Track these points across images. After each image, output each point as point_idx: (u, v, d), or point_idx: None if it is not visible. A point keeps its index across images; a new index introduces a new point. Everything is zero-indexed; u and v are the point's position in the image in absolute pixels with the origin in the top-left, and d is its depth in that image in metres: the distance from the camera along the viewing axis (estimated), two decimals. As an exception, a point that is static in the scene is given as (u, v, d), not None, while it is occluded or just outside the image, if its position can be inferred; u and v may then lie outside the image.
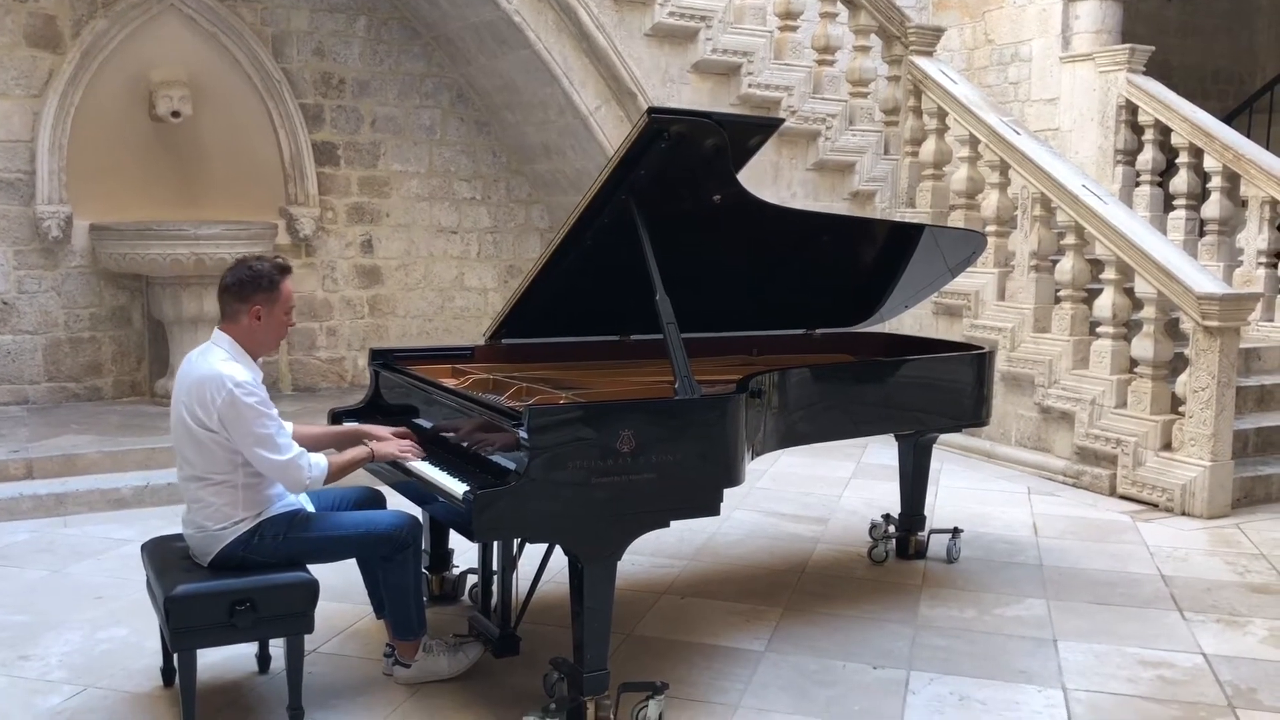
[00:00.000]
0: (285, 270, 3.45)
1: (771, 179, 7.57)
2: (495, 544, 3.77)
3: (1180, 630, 4.25)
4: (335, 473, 3.35)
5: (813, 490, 6.28)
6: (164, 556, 3.37)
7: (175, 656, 3.14)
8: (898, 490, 5.13)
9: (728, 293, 4.55)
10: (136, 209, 7.17)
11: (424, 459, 3.48)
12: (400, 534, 3.36)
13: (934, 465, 6.75)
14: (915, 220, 7.42)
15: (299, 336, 7.75)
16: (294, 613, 3.21)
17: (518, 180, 8.36)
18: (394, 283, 8.09)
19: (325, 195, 7.79)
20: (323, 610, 4.10)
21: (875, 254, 4.96)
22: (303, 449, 3.30)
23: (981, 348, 4.84)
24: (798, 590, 4.63)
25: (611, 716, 3.27)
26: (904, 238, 4.92)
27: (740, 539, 5.35)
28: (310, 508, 3.52)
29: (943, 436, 7.28)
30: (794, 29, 7.61)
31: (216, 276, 6.79)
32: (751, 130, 3.70)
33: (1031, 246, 6.91)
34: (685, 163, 3.55)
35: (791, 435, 3.88)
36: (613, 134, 7.10)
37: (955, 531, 5.08)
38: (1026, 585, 4.73)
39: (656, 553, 5.08)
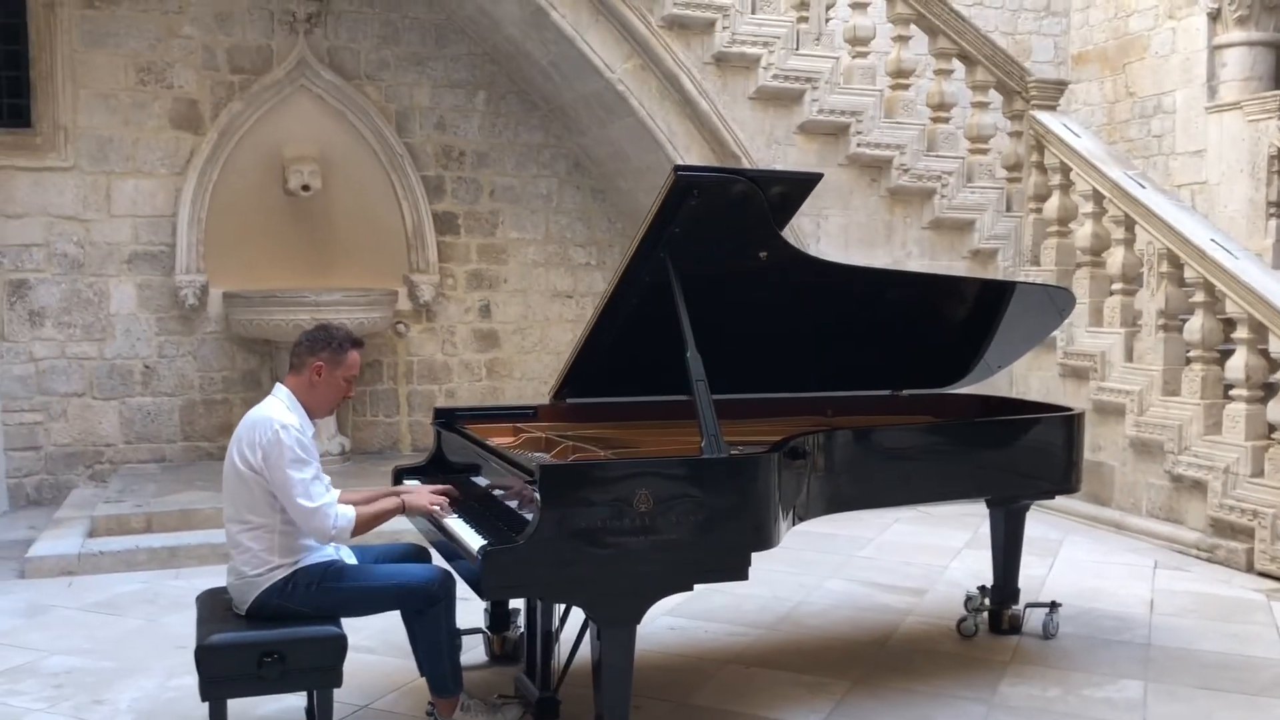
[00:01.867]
0: (357, 343, 3.59)
1: (885, 238, 7.42)
2: (540, 605, 3.73)
3: (1291, 722, 3.87)
4: (365, 523, 3.41)
5: (917, 560, 6.02)
6: (210, 606, 3.49)
7: (210, 708, 3.21)
8: (1018, 562, 4.86)
9: (798, 353, 4.45)
10: (269, 278, 7.56)
11: (457, 515, 3.49)
12: (432, 588, 3.38)
13: (1055, 536, 6.54)
14: (1039, 279, 7.12)
15: (419, 399, 7.97)
16: (322, 666, 3.25)
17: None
18: (511, 346, 8.26)
19: (445, 262, 8.05)
20: (381, 665, 4.21)
21: (962, 312, 4.78)
22: (334, 501, 3.37)
23: (1071, 409, 4.56)
24: (873, 664, 4.43)
25: (632, 788, 3.18)
26: (992, 295, 4.74)
27: (826, 609, 5.16)
28: (352, 559, 3.58)
29: (1068, 507, 6.99)
30: (905, 87, 7.48)
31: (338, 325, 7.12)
32: (787, 185, 3.62)
33: (1159, 305, 6.53)
34: (721, 219, 3.51)
35: (839, 499, 3.73)
36: (718, 197, 7.09)
37: (1053, 605, 4.77)
38: (1125, 665, 4.39)
39: (733, 621, 4.96)
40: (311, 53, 7.59)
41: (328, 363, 3.49)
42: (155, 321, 7.45)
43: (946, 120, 7.59)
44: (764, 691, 4.11)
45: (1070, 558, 6.14)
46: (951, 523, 6.80)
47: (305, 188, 7.60)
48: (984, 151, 7.68)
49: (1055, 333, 7.04)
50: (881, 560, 6.03)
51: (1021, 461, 4.31)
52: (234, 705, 3.63)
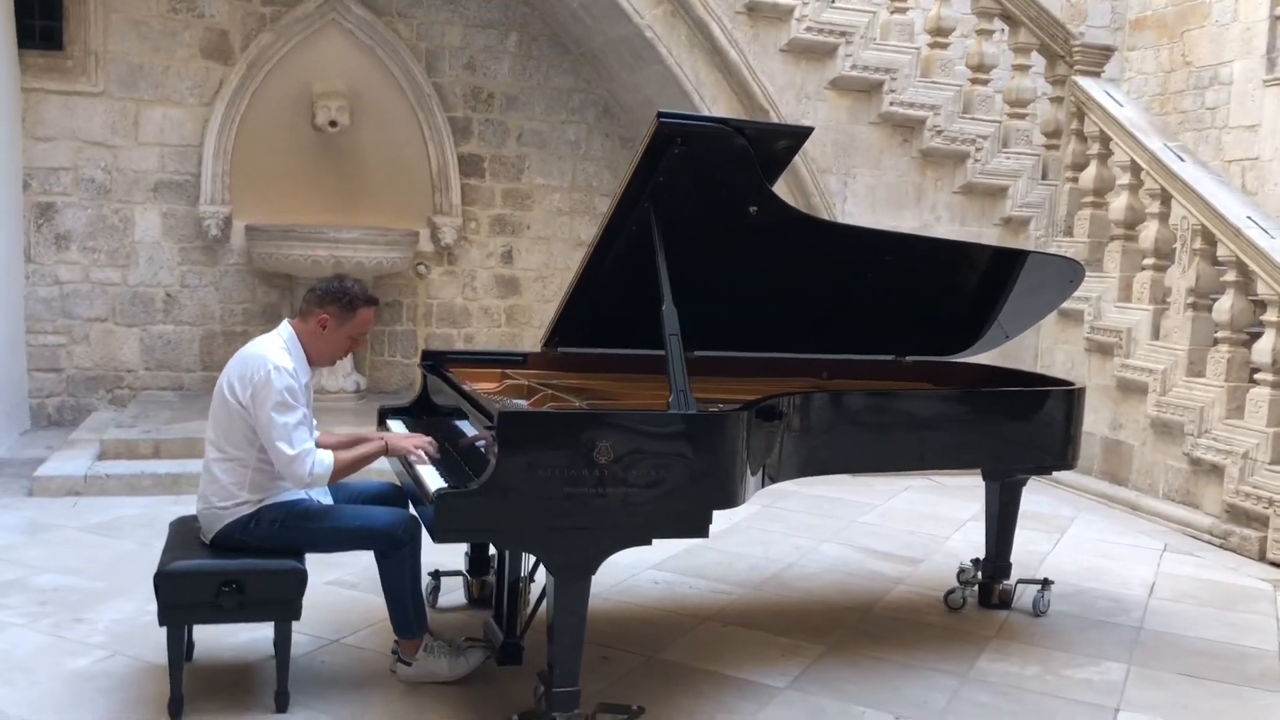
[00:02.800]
0: (371, 301, 3.55)
1: (914, 201, 7.26)
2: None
3: (1271, 715, 3.76)
4: (344, 469, 3.39)
5: (920, 529, 5.93)
6: (180, 533, 3.51)
7: (168, 633, 3.24)
8: (1019, 539, 4.77)
9: (796, 313, 4.36)
10: (294, 213, 7.57)
11: (434, 461, 3.47)
12: (396, 532, 3.37)
13: (1067, 513, 6.43)
14: (1070, 250, 6.95)
15: (438, 342, 7.97)
16: (281, 599, 3.27)
17: (660, 196, 8.33)
18: (531, 294, 8.22)
19: (469, 206, 8.00)
20: (361, 601, 4.24)
21: (971, 279, 4.67)
22: (313, 447, 3.36)
23: (1072, 384, 4.44)
24: (852, 630, 4.37)
25: (583, 737, 3.16)
26: (1002, 263, 4.61)
27: (816, 573, 5.11)
28: (326, 498, 3.58)
29: (1084, 484, 6.88)
30: (944, 46, 7.27)
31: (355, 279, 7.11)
32: (776, 138, 3.52)
33: (1189, 283, 6.33)
34: (707, 170, 3.42)
35: (814, 462, 3.66)
36: (743, 151, 6.96)
37: (1045, 583, 4.68)
38: (1111, 648, 4.30)
39: (721, 578, 4.93)
40: (343, -14, 7.53)
41: (335, 316, 3.46)
42: (178, 251, 7.50)
43: (985, 82, 7.38)
44: (736, 650, 4.08)
45: (1078, 536, 6.02)
46: (962, 494, 6.69)
47: (333, 124, 7.58)
48: (1022, 116, 7.46)
49: (1083, 306, 6.91)
50: (883, 527, 5.96)
51: (1016, 434, 4.20)
52: (206, 633, 3.70)
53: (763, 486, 3.45)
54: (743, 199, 3.59)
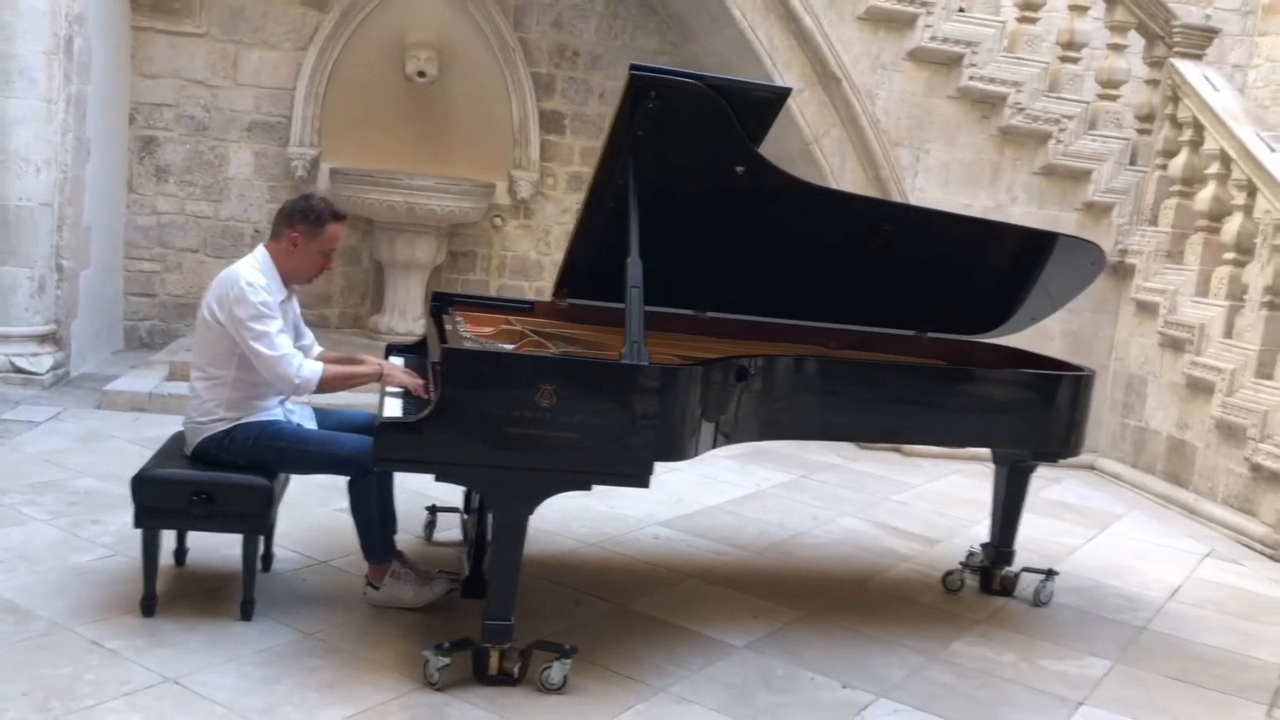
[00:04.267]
0: (338, 216, 3.70)
1: (989, 180, 7.07)
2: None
3: (1247, 726, 3.61)
4: (333, 379, 3.55)
5: (951, 512, 5.83)
6: (173, 444, 3.73)
7: (141, 535, 3.45)
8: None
9: (807, 280, 4.34)
10: (380, 159, 7.80)
11: (416, 400, 3.59)
12: (362, 459, 3.49)
13: (1118, 510, 6.25)
14: (1153, 240, 6.67)
15: (510, 293, 8.12)
16: (248, 512, 3.45)
17: (739, 163, 8.29)
18: (604, 252, 8.29)
19: (548, 162, 8.12)
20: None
21: (999, 259, 4.57)
22: (297, 352, 3.53)
23: (1082, 370, 4.29)
24: (836, 600, 4.36)
25: (514, 670, 3.26)
26: (1025, 244, 4.50)
27: (825, 543, 5.09)
28: (311, 422, 3.76)
29: (1143, 483, 6.68)
30: (1033, 21, 7.03)
31: (429, 226, 7.38)
32: (754, 96, 3.49)
33: (1266, 280, 6.02)
34: (685, 125, 3.43)
35: (775, 426, 3.65)
36: (813, 119, 6.92)
37: (1049, 573, 4.57)
38: (1104, 644, 4.18)
39: (725, 540, 4.96)
40: (437, -60, 7.70)
41: (304, 234, 3.62)
42: (267, 189, 7.83)
43: (1075, 61, 7.12)
44: (709, 608, 4.11)
45: (1120, 533, 5.84)
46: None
47: (421, 74, 7.78)
48: (1113, 98, 7.18)
49: (1159, 299, 6.65)
50: (913, 507, 5.88)
51: (1010, 416, 4.09)
52: (203, 544, 3.92)
53: (716, 445, 3.46)
54: (727, 157, 3.59)
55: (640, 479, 3.20)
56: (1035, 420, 4.12)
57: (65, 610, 3.49)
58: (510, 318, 4.34)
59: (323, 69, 7.73)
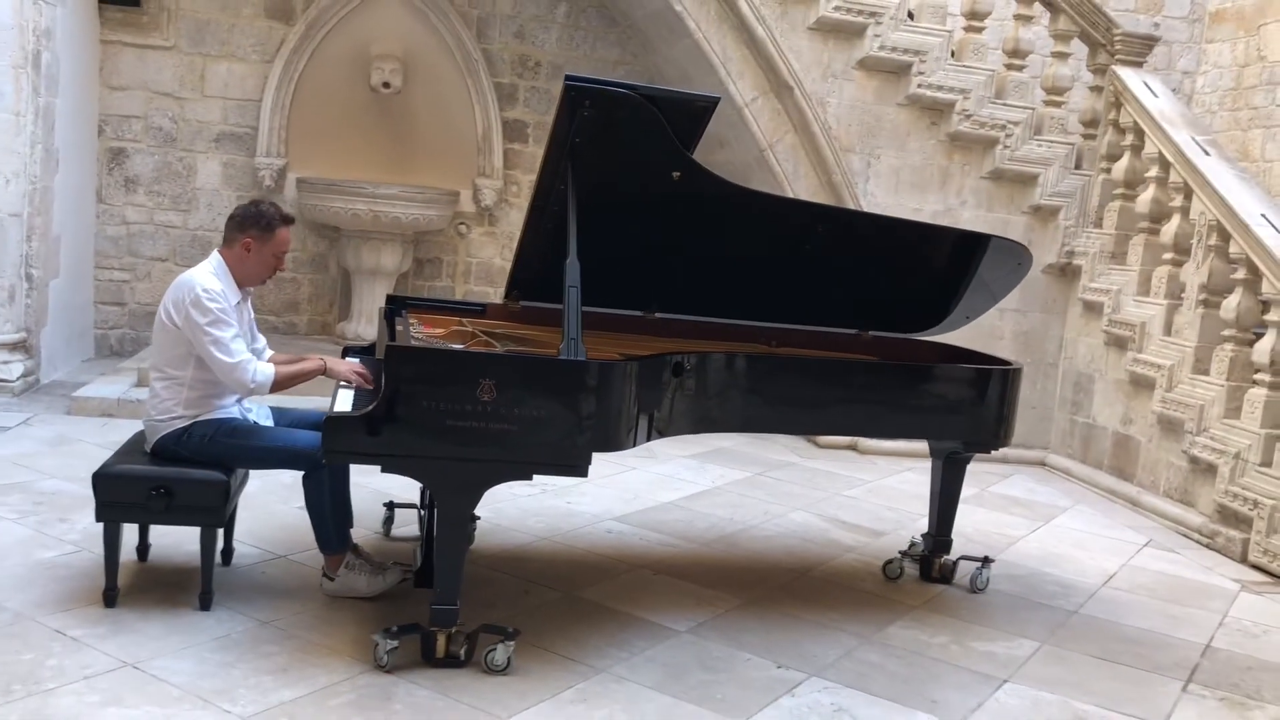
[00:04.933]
0: (287, 220, 3.86)
1: (939, 184, 7.28)
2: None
3: (1163, 701, 3.79)
4: (284, 380, 3.72)
5: (900, 506, 6.01)
6: (135, 442, 3.88)
7: (103, 528, 3.60)
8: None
9: (747, 282, 4.52)
10: (346, 169, 7.96)
11: (363, 391, 3.75)
12: (314, 454, 3.64)
13: (1063, 504, 6.46)
14: (1099, 241, 6.88)
15: (476, 299, 8.28)
16: (205, 506, 3.60)
17: (700, 169, 8.48)
18: (568, 257, 8.46)
19: (511, 170, 8.30)
20: (318, 524, 4.54)
21: (935, 259, 4.77)
22: (252, 357, 3.69)
23: (1009, 363, 4.49)
24: (777, 588, 4.53)
25: (461, 652, 3.42)
26: (959, 244, 4.70)
27: (773, 536, 5.26)
28: (268, 420, 3.91)
29: (1092, 478, 6.90)
30: (979, 30, 7.25)
31: (394, 234, 7.53)
32: (685, 105, 3.68)
33: (1201, 279, 6.24)
34: (619, 133, 3.61)
35: (708, 420, 3.82)
36: (767, 126, 7.10)
37: (985, 561, 4.76)
38: (1034, 627, 4.36)
39: (676, 534, 5.12)
40: (400, -46, 7.87)
41: (256, 239, 3.78)
42: (236, 198, 7.94)
43: (1021, 69, 7.34)
44: (655, 597, 4.28)
45: (1063, 525, 6.03)
46: (969, 480, 6.71)
47: (386, 85, 7.95)
48: (1058, 104, 7.39)
49: (1104, 299, 6.87)
50: (863, 502, 6.06)
51: (937, 408, 4.28)
52: (165, 540, 4.07)
53: (651, 437, 3.63)
54: (663, 163, 3.77)
55: (578, 469, 3.36)
56: (965, 412, 4.30)
57: (30, 602, 3.63)
58: (462, 319, 4.50)
59: (289, 81, 7.89)
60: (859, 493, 6.27)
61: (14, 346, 6.59)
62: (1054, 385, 7.52)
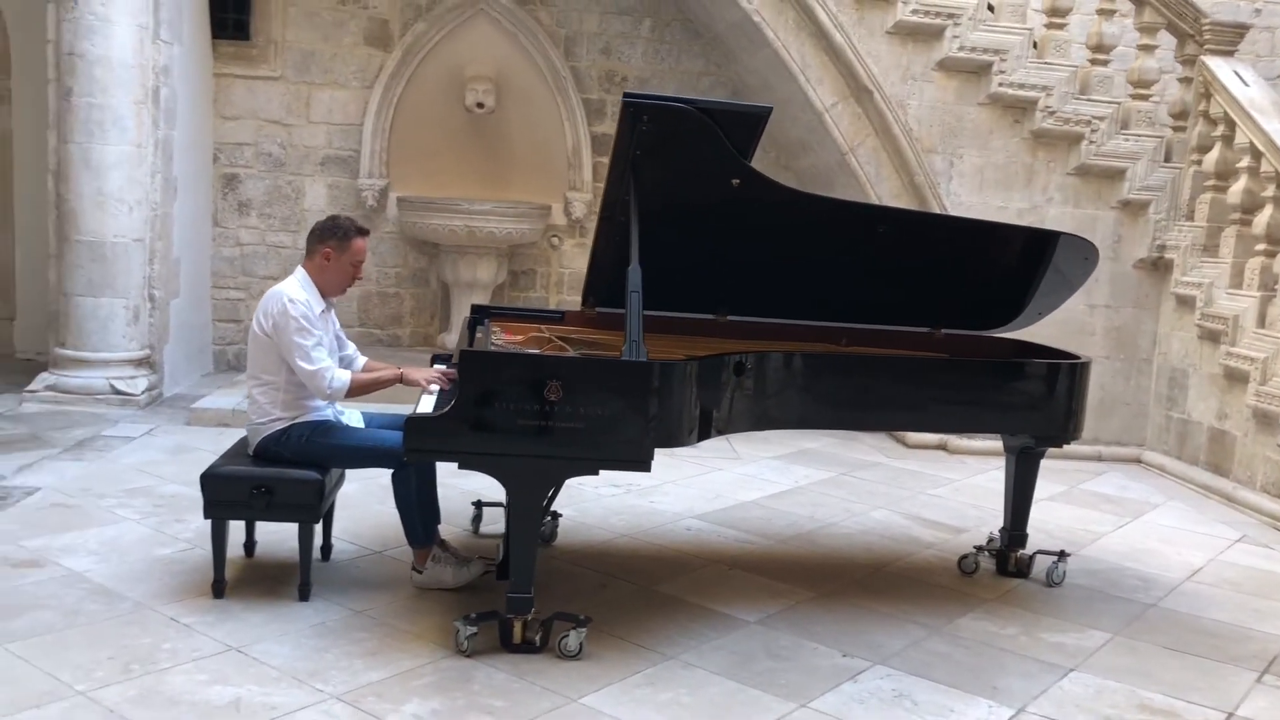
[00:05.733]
0: (361, 231, 4.16)
1: (1024, 182, 7.27)
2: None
3: (1234, 690, 3.79)
4: (361, 386, 4.00)
5: (985, 504, 6.03)
6: (240, 446, 4.19)
7: (211, 525, 3.92)
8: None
9: (812, 283, 4.64)
10: (444, 187, 8.32)
11: (444, 393, 4.00)
12: (399, 452, 3.87)
13: (1155, 500, 6.43)
14: (1190, 234, 6.79)
15: (569, 308, 8.53)
16: (302, 504, 3.89)
17: (786, 176, 8.52)
18: (657, 266, 8.66)
19: (600, 182, 8.45)
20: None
21: (1005, 257, 4.83)
22: (332, 364, 3.97)
23: (1078, 357, 4.52)
24: (852, 582, 4.63)
25: (536, 638, 3.63)
26: (1025, 242, 4.76)
27: (852, 533, 5.36)
28: (358, 422, 4.19)
29: (1186, 474, 6.82)
30: (1061, 26, 7.22)
31: (489, 248, 7.84)
32: (739, 116, 3.83)
33: (1294, 269, 6.12)
34: (678, 144, 3.79)
35: (766, 417, 3.96)
36: (848, 131, 7.20)
37: (1061, 555, 4.78)
38: (1107, 619, 4.38)
39: (754, 531, 5.26)
40: (490, -22, 8.21)
41: (334, 249, 4.07)
42: (341, 219, 8.37)
43: (1105, 63, 7.28)
44: (727, 589, 4.43)
45: (1152, 521, 5.98)
46: (1055, 476, 6.71)
47: (480, 105, 8.28)
48: (1145, 98, 7.31)
49: (1195, 292, 6.79)
50: (948, 500, 6.10)
51: (1003, 403, 4.34)
52: (270, 538, 4.38)
53: (712, 435, 3.79)
54: (721, 172, 3.93)
55: (642, 464, 3.54)
56: (1034, 407, 4.35)
57: (148, 593, 3.97)
58: (541, 326, 4.72)
59: (388, 105, 8.27)
60: (944, 491, 6.31)
61: (139, 363, 7.07)
62: (1148, 381, 7.42)
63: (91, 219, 6.82)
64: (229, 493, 3.87)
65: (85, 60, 6.70)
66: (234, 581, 4.06)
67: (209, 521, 3.95)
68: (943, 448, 7.33)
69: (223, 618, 3.78)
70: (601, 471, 3.66)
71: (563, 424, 3.48)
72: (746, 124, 3.84)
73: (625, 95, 3.65)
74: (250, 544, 4.37)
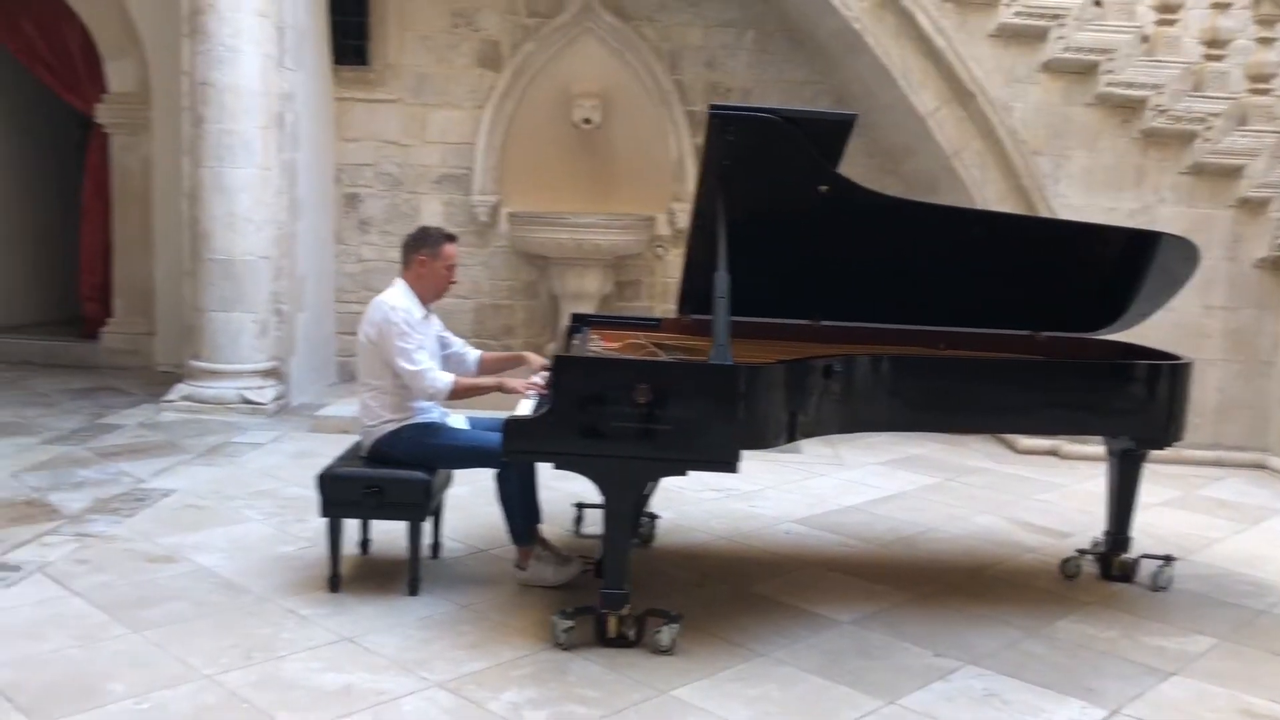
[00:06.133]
0: (450, 238, 4.39)
1: (1134, 182, 7.13)
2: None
3: (1346, 697, 3.70)
4: (463, 390, 4.21)
5: (1093, 509, 5.87)
6: (354, 449, 4.43)
7: (327, 523, 4.16)
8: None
9: (908, 287, 4.68)
10: (553, 201, 8.55)
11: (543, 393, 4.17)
12: (501, 453, 4.07)
13: (1278, 506, 6.16)
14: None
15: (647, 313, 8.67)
16: (411, 503, 4.10)
17: (891, 180, 8.51)
18: (763, 274, 8.74)
19: (706, 192, 8.64)
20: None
21: (1105, 258, 4.79)
22: (433, 366, 4.18)
23: (1179, 358, 4.45)
24: (949, 585, 4.64)
25: (630, 633, 3.76)
26: (1126, 242, 4.72)
27: (954, 537, 5.35)
28: (463, 425, 4.40)
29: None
30: (1171, 23, 7.07)
31: (595, 259, 8.03)
32: (822, 125, 3.90)
33: None
34: (765, 153, 3.88)
35: (855, 420, 4.02)
36: (951, 135, 7.17)
37: (1167, 559, 4.71)
38: (1213, 624, 4.31)
39: (854, 535, 5.30)
40: (595, -3, 8.43)
41: (428, 257, 4.30)
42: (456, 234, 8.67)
43: (1220, 58, 7.10)
44: (821, 590, 4.49)
45: (1272, 528, 5.83)
46: (1171, 481, 6.59)
47: (587, 121, 8.49)
48: (1264, 92, 7.10)
49: None
50: (1055, 505, 6.03)
51: (1102, 405, 4.30)
52: (384, 537, 4.61)
53: (798, 436, 3.87)
54: (809, 179, 4.01)
55: (728, 465, 3.65)
56: (1135, 409, 4.31)
57: (269, 587, 4.23)
58: (638, 333, 4.86)
59: (499, 123, 8.55)
60: (1053, 496, 6.23)
61: (267, 374, 7.46)
62: (1270, 384, 7.19)
63: (223, 238, 7.23)
64: (343, 493, 4.11)
65: (216, 89, 7.12)
66: (349, 577, 4.29)
67: (326, 520, 4.19)
68: (1054, 453, 7.22)
69: (337, 610, 4.02)
70: (691, 473, 3.77)
71: (651, 425, 3.60)
72: (832, 131, 3.92)
73: (711, 107, 3.77)
74: (365, 542, 4.62)
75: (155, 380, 8.32)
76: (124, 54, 8.76)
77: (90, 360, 9.09)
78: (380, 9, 8.53)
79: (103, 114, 8.95)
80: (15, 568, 4.34)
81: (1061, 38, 6.95)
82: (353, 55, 8.62)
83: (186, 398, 7.31)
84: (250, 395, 7.30)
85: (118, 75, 8.83)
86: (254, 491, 5.57)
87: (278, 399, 7.46)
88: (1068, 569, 4.80)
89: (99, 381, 8.48)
